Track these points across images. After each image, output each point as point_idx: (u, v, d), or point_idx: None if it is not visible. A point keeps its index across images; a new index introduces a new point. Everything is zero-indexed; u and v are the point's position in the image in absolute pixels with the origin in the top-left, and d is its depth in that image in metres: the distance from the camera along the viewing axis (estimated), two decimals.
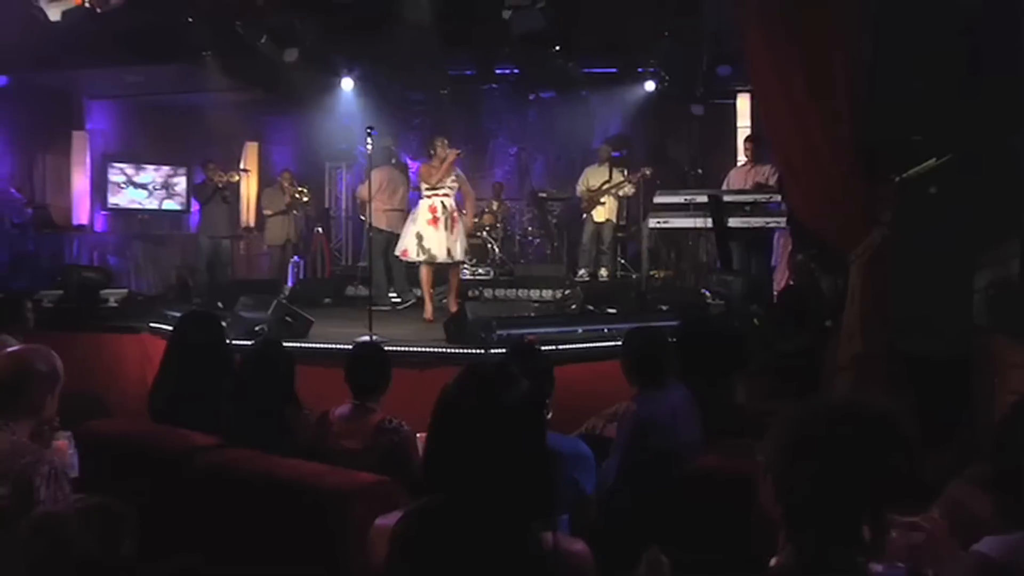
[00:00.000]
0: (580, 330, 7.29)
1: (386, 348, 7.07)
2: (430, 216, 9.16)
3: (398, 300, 11.08)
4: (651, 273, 11.98)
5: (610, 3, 9.36)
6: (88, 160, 12.83)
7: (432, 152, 9.58)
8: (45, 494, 2.91)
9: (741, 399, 4.79)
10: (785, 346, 6.37)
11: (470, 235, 13.34)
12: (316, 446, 3.80)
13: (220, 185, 11.91)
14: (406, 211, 11.94)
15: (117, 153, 13.27)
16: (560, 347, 6.98)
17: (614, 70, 12.42)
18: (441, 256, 9.16)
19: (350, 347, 7.14)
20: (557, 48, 10.78)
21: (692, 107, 11.87)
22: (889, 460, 1.76)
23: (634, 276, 12.37)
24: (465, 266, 12.99)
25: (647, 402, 3.95)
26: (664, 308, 9.83)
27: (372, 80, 12.93)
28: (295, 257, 13.60)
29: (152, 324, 8.34)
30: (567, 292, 11.19)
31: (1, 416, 3.11)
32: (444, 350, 7.02)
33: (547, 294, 11.96)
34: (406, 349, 7.07)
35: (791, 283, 8.23)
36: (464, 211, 9.69)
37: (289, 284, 12.57)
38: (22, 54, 9.88)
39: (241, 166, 13.64)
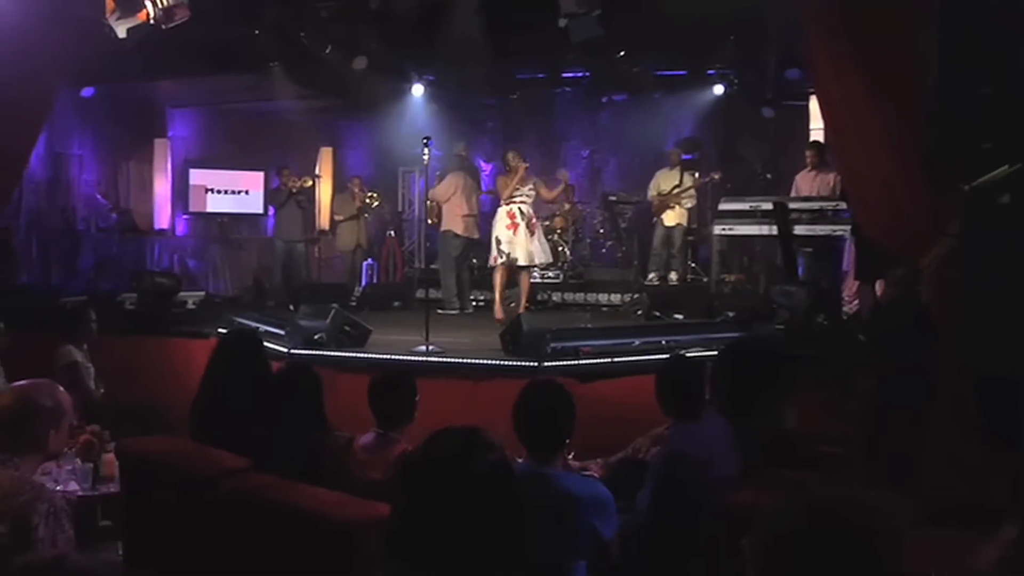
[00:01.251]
0: (636, 342, 7.20)
1: (441, 359, 7.22)
2: (508, 221, 9.68)
3: (457, 308, 11.14)
4: (722, 277, 11.82)
5: (672, 7, 9.21)
6: (169, 166, 13.22)
7: (506, 165, 10.12)
8: (44, 532, 2.92)
9: (790, 424, 4.65)
10: (898, 363, 6.12)
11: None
12: (341, 474, 3.82)
13: (294, 190, 12.14)
14: (479, 216, 12.11)
15: (198, 159, 13.64)
16: (615, 359, 6.92)
17: (684, 72, 12.23)
18: (523, 259, 9.67)
19: (403, 358, 7.33)
20: (622, 53, 10.68)
21: (763, 110, 11.63)
22: (868, 566, 1.67)
23: (705, 280, 12.18)
24: (535, 269, 13.06)
25: (681, 435, 3.87)
26: (731, 315, 9.72)
27: (442, 86, 12.99)
28: (368, 260, 13.79)
29: (220, 329, 8.51)
30: (635, 297, 11.09)
31: (5, 451, 3.14)
32: (498, 362, 7.01)
33: (615, 298, 11.88)
34: (460, 361, 7.09)
35: (888, 297, 8.02)
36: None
37: (363, 287, 12.78)
38: (106, 67, 10.25)
39: (316, 171, 13.87)
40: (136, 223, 12.73)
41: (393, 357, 7.29)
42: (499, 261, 9.78)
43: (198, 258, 13.35)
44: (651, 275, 12.39)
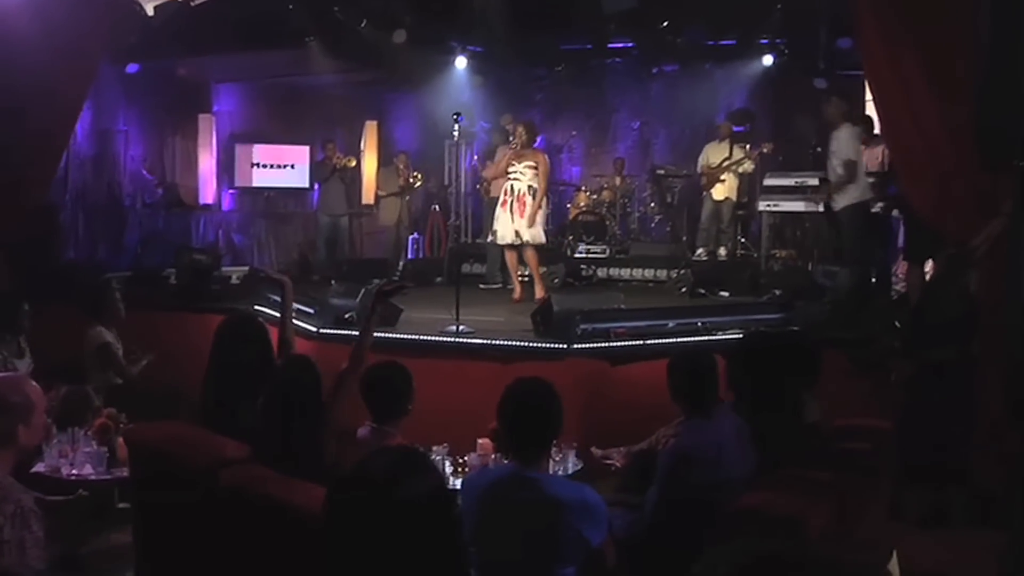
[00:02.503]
0: (671, 323, 6.99)
1: (469, 340, 7.09)
2: (502, 198, 9.32)
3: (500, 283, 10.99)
4: (772, 254, 11.52)
5: None
6: (214, 141, 13.23)
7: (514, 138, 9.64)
8: (9, 534, 2.86)
9: (815, 417, 4.42)
10: (937, 354, 5.83)
11: (587, 212, 13.21)
12: (337, 468, 3.71)
13: (337, 166, 12.09)
14: None
15: (243, 133, 13.64)
16: (648, 341, 6.73)
17: (732, 42, 11.86)
18: (508, 238, 9.25)
19: (430, 338, 7.22)
20: (664, 23, 10.37)
21: (815, 81, 11.22)
22: None
23: (755, 256, 11.87)
24: (581, 243, 12.86)
25: (691, 432, 3.70)
26: (777, 293, 9.44)
27: (486, 58, 12.80)
28: (414, 234, 13.71)
29: (257, 306, 8.47)
30: (680, 273, 10.86)
31: None
32: (526, 344, 6.86)
33: (661, 274, 11.65)
34: (486, 342, 6.96)
35: (934, 280, 7.70)
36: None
37: (407, 261, 12.72)
38: (149, 43, 10.26)
39: (361, 145, 13.80)
40: (182, 198, 12.79)
41: (420, 337, 7.19)
42: (490, 239, 9.66)
43: (243, 233, 13.39)
44: (699, 251, 12.11)
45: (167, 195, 12.55)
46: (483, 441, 5.05)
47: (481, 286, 10.99)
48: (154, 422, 4.85)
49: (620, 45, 13.23)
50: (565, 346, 6.65)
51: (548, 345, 6.74)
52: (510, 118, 12.85)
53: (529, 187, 9.09)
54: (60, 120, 8.91)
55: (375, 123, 14.06)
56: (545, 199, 9.74)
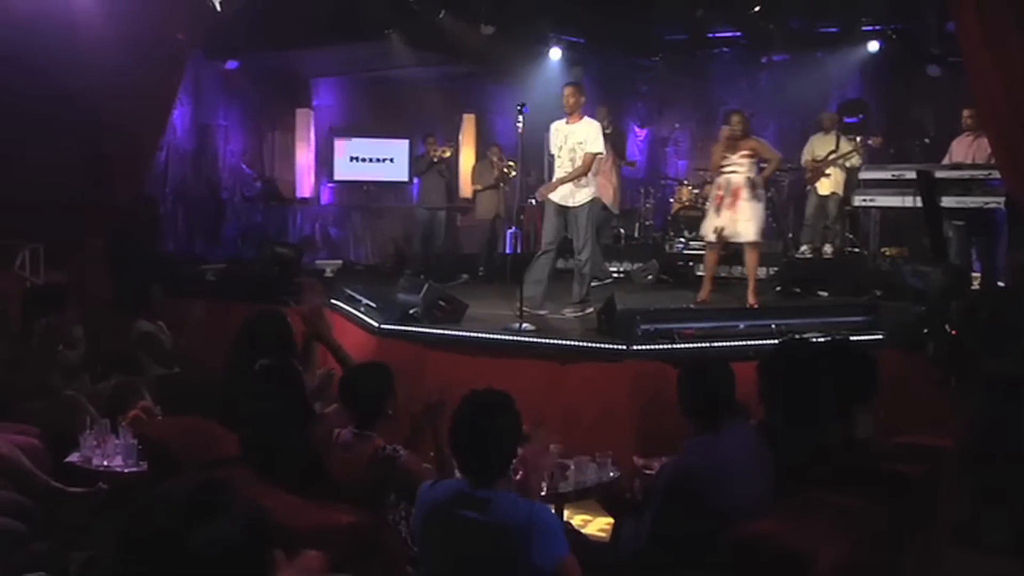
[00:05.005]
0: (742, 325, 6.59)
1: (526, 339, 6.85)
2: (716, 193, 8.48)
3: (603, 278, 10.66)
4: (882, 251, 10.86)
5: None
6: (312, 135, 13.37)
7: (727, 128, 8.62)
8: None
9: (865, 433, 4.01)
10: (994, 364, 5.34)
11: (689, 207, 12.77)
12: (320, 471, 3.55)
13: (435, 159, 12.02)
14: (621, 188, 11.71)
15: (342, 127, 13.73)
16: (714, 344, 6.36)
17: (834, 29, 11.23)
18: (709, 236, 8.46)
19: (488, 336, 7.02)
20: (756, 8, 9.86)
21: (928, 67, 10.49)
22: None
23: (864, 253, 11.22)
24: (681, 239, 12.44)
25: (695, 449, 3.37)
26: (878, 294, 8.87)
27: (584, 49, 12.51)
28: (512, 228, 13.53)
29: (333, 301, 8.46)
30: (774, 270, 10.35)
31: None
32: (584, 344, 6.59)
33: (760, 272, 11.13)
34: (544, 341, 6.72)
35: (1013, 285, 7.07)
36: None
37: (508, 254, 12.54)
38: (240, 38, 10.43)
39: (459, 139, 13.73)
40: (280, 192, 12.96)
41: (478, 335, 6.99)
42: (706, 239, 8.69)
43: (340, 226, 13.50)
44: (803, 248, 11.53)
45: (265, 189, 12.74)
46: (555, 446, 4.83)
47: None
48: (177, 416, 4.83)
49: (726, 34, 12.75)
50: (624, 347, 6.34)
51: (606, 346, 6.45)
52: (606, 111, 12.53)
53: (747, 179, 8.25)
54: (149, 115, 9.13)
55: (472, 116, 13.96)
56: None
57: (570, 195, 7.83)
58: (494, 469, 2.92)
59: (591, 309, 7.66)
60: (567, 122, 7.81)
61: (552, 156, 8.11)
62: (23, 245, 8.16)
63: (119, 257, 9.09)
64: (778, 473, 3.53)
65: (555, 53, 12.54)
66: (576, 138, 7.74)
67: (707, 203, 8.66)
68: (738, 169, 8.25)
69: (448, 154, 12.32)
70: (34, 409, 5.25)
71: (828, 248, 11.52)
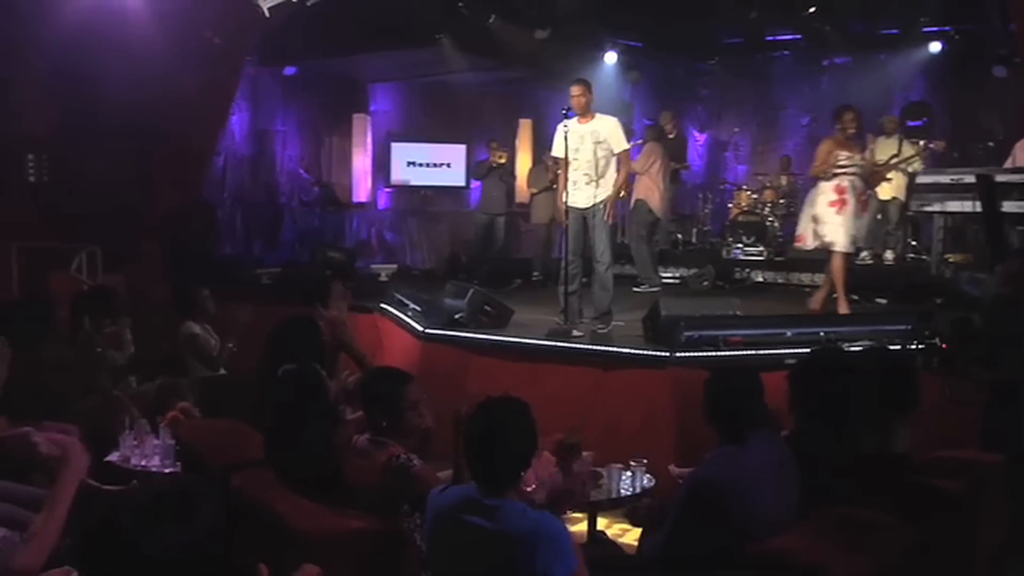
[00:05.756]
0: (789, 333, 6.44)
1: (569, 345, 6.79)
2: (834, 197, 7.71)
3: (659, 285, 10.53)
4: (945, 257, 10.56)
5: None
6: (369, 140, 13.50)
7: (839, 127, 8.08)
8: None
9: (902, 447, 3.87)
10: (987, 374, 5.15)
11: (747, 212, 12.60)
12: (337, 476, 3.54)
13: (495, 164, 12.03)
14: (672, 196, 11.55)
15: (399, 133, 13.84)
16: (759, 351, 6.22)
17: (895, 31, 10.98)
18: (842, 243, 7.68)
19: (529, 341, 6.97)
20: (811, 9, 9.67)
21: (995, 68, 10.18)
22: None
23: (928, 260, 10.93)
24: (740, 245, 12.27)
25: (718, 460, 3.28)
26: (939, 302, 8.62)
27: (641, 53, 12.42)
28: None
29: (383, 305, 8.49)
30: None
31: None
32: (627, 350, 6.50)
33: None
34: (587, 347, 6.66)
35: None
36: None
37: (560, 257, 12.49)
38: (302, 45, 10.58)
39: (517, 143, 13.74)
40: (337, 196, 13.11)
41: (520, 340, 6.95)
42: (810, 244, 7.98)
43: (396, 231, 13.59)
44: (864, 254, 11.27)
45: (323, 193, 12.89)
46: (546, 454, 4.76)
47: (635, 289, 10.61)
48: (214, 418, 4.88)
49: (786, 37, 12.56)
50: (668, 354, 6.24)
51: (648, 352, 6.36)
52: (669, 116, 12.44)
53: (861, 181, 7.81)
54: (205, 121, 9.31)
55: (529, 121, 13.95)
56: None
57: (590, 195, 7.39)
58: (505, 477, 2.87)
59: (613, 324, 7.39)
60: (579, 122, 7.30)
61: (555, 160, 7.77)
62: (80, 248, 8.35)
63: (175, 260, 9.28)
64: (805, 486, 3.43)
65: (610, 57, 12.47)
66: (595, 137, 7.30)
67: (814, 207, 7.89)
68: (857, 170, 7.79)
69: (504, 160, 12.33)
70: (79, 409, 5.36)
71: (889, 254, 11.28)
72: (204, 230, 10.69)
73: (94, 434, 5.14)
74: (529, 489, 3.30)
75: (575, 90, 7.39)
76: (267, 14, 7.89)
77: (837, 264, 7.83)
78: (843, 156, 7.78)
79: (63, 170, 9.00)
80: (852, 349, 5.39)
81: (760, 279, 11.50)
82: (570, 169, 7.24)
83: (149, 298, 8.39)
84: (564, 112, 7.20)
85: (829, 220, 7.73)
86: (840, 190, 7.74)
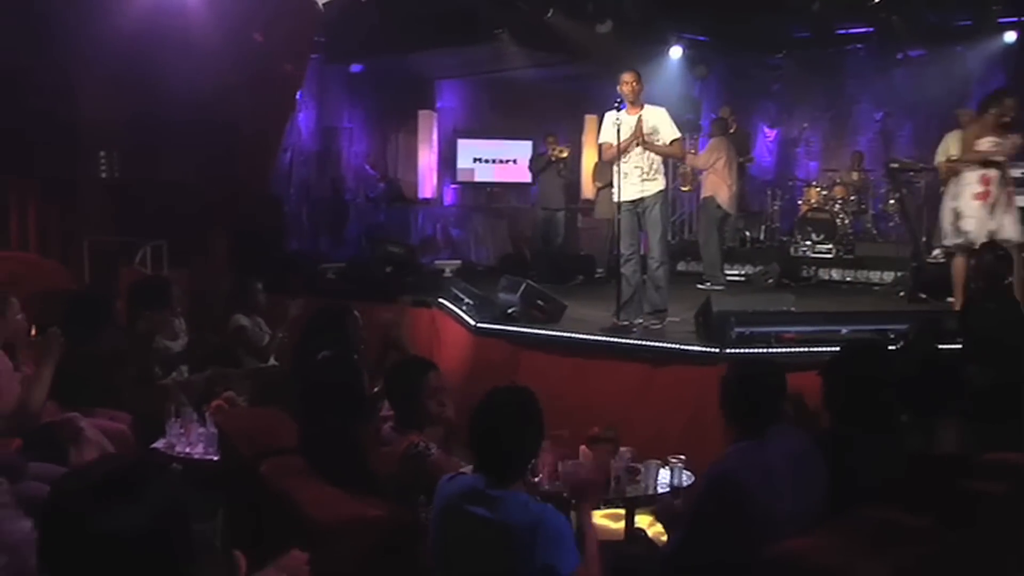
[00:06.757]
0: (844, 330, 6.29)
1: (618, 340, 6.72)
2: (979, 189, 7.25)
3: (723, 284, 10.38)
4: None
5: None
6: (435, 137, 13.57)
7: (995, 111, 7.37)
8: None
9: (947, 447, 3.74)
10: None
11: (816, 209, 12.34)
12: (364, 465, 3.55)
13: (553, 158, 12.00)
14: (741, 190, 11.40)
15: (465, 129, 13.89)
16: (811, 349, 6.09)
17: (967, 22, 10.62)
18: (981, 238, 7.09)
19: (579, 336, 6.92)
20: (876, 1, 9.39)
21: None
22: None
23: None
24: (808, 242, 12.01)
25: (737, 456, 3.20)
26: None
27: (708, 47, 12.26)
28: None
29: (440, 300, 8.52)
30: (900, 275, 9.90)
31: None
32: (676, 347, 6.41)
33: (887, 276, 10.69)
34: (635, 343, 6.59)
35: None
36: None
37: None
38: (366, 42, 10.69)
39: (582, 138, 13.68)
40: (402, 193, 13.22)
41: (570, 335, 6.91)
42: (954, 241, 7.48)
43: (461, 227, 13.64)
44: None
45: (388, 190, 13.02)
46: (583, 448, 4.73)
47: (699, 286, 10.48)
48: (257, 407, 4.96)
49: (857, 30, 12.27)
50: (717, 350, 6.14)
51: (698, 349, 6.26)
52: (729, 110, 12.31)
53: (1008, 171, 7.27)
54: (271, 118, 9.47)
55: (595, 117, 13.83)
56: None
57: (641, 188, 7.24)
58: (510, 468, 2.84)
59: (668, 320, 7.25)
60: (628, 113, 7.10)
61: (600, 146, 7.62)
62: (145, 242, 8.57)
63: (241, 255, 9.45)
64: (835, 486, 3.33)
65: (675, 51, 12.32)
66: (644, 128, 7.15)
67: (957, 201, 7.44)
68: (1000, 160, 7.27)
69: (566, 154, 12.28)
70: (131, 397, 5.50)
71: None
72: (270, 225, 10.88)
73: (144, 422, 5.29)
74: (536, 480, 3.27)
75: (626, 77, 7.24)
76: (321, 7, 7.99)
77: (959, 265, 7.40)
78: (989, 142, 7.28)
79: (133, 167, 9.25)
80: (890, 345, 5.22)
81: (827, 277, 11.30)
82: (621, 162, 7.12)
83: (212, 292, 8.58)
84: (616, 104, 7.10)
85: (973, 214, 7.26)
86: (984, 180, 7.27)
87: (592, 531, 2.93)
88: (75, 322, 5.20)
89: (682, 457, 4.73)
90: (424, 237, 13.10)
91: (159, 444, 5.03)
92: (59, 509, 1.64)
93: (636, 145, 7.14)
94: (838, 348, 5.96)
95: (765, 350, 6.13)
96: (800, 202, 12.91)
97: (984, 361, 4.61)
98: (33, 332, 5.31)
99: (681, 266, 11.94)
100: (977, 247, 6.96)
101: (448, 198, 14.02)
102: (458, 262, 12.54)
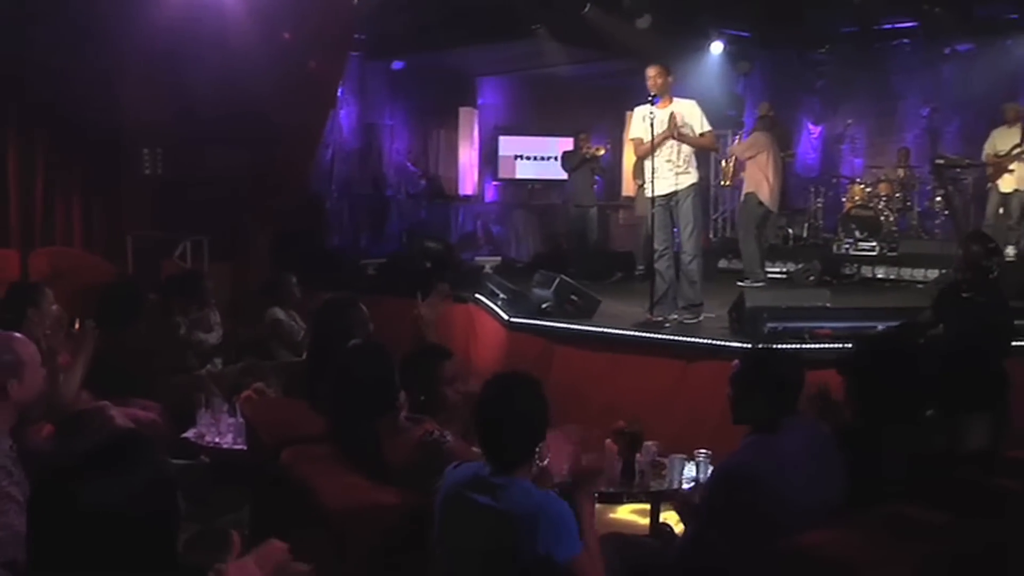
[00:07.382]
0: (880, 326, 6.19)
1: (651, 335, 6.68)
2: None
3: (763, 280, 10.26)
4: None
5: None
6: (476, 134, 13.59)
7: None
8: None
9: (978, 444, 3.66)
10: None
11: (861, 206, 12.16)
12: (380, 454, 3.57)
13: (587, 156, 11.95)
14: (783, 187, 11.24)
15: (507, 126, 13.90)
16: (846, 345, 6.00)
17: (1014, 16, 10.40)
18: None
19: (611, 331, 6.90)
20: None
21: None
22: None
23: None
24: (851, 239, 11.85)
25: (750, 449, 3.16)
26: None
27: (751, 43, 12.14)
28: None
29: (477, 295, 8.54)
30: (943, 272, 9.73)
31: None
32: (707, 341, 6.37)
33: (932, 274, 10.51)
34: (668, 338, 6.55)
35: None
36: None
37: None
38: (406, 38, 10.76)
39: (624, 135, 13.61)
40: (443, 189, 13.26)
41: (603, 330, 6.90)
42: None
43: (501, 224, 13.65)
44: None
45: (430, 186, 13.07)
46: (608, 442, 4.72)
47: (739, 283, 10.40)
48: (285, 399, 5.02)
49: (904, 25, 12.08)
50: (751, 345, 6.08)
51: (730, 344, 6.21)
52: (767, 105, 12.16)
53: None
54: (311, 115, 9.55)
55: (633, 113, 13.81)
56: None
57: (673, 182, 7.17)
58: (513, 456, 2.84)
59: (703, 316, 7.15)
60: (660, 107, 7.04)
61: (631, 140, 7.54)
62: (186, 237, 8.70)
63: (282, 250, 9.56)
64: (855, 481, 3.28)
65: (716, 47, 12.21)
66: (676, 121, 7.06)
67: None
68: None
69: (602, 152, 12.22)
70: (165, 388, 5.60)
71: (1011, 250, 10.69)
72: (312, 221, 10.99)
73: (177, 412, 5.39)
74: (544, 464, 3.26)
75: (650, 71, 7.14)
76: (355, 1, 8.04)
77: None
78: None
79: (176, 163, 9.40)
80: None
81: (870, 275, 11.14)
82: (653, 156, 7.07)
83: (252, 286, 8.69)
84: (649, 100, 7.04)
85: None
86: None
87: (592, 519, 2.90)
88: (108, 313, 5.31)
89: (708, 451, 4.71)
90: (464, 233, 13.14)
91: (190, 434, 5.12)
92: (47, 485, 1.67)
93: (668, 138, 7.06)
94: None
95: (798, 346, 6.07)
96: (844, 199, 12.75)
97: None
98: (76, 325, 5.42)
99: (722, 263, 11.86)
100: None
101: (489, 195, 14.04)
102: (498, 258, 12.55)
